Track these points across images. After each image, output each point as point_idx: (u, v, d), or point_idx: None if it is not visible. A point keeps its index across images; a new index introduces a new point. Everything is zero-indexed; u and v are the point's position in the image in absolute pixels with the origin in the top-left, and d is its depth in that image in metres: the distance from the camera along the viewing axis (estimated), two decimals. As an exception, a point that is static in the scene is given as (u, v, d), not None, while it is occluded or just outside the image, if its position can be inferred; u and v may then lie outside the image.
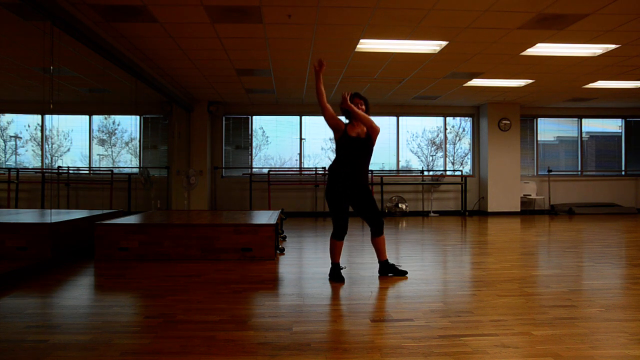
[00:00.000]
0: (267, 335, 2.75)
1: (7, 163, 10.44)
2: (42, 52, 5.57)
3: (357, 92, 4.35)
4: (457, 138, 12.09)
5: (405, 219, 10.49)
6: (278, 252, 5.64)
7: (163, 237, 5.24)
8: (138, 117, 10.26)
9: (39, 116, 10.53)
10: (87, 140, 10.84)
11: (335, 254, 4.22)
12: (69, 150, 11.02)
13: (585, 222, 9.50)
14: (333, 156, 11.61)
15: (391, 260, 4.53)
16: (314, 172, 11.25)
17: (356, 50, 6.60)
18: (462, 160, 12.10)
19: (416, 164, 12.03)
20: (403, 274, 4.35)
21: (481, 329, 2.86)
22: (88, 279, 4.45)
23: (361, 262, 5.06)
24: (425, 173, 11.70)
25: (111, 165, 11.04)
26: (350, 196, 4.19)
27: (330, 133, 11.59)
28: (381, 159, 11.73)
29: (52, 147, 10.96)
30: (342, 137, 4.19)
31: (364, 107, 4.24)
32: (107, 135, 11.19)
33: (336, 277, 4.16)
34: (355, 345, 2.60)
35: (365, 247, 6.13)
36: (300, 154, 11.55)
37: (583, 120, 12.13)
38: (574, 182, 11.96)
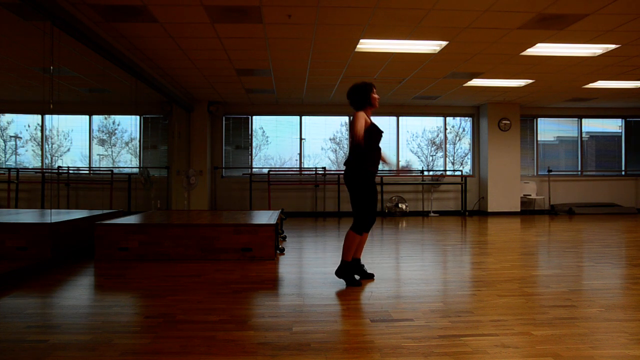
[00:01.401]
0: (267, 335, 2.75)
1: (7, 163, 10.43)
2: (42, 52, 5.57)
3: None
4: (457, 138, 12.09)
5: (405, 219, 10.49)
6: (278, 252, 5.64)
7: (163, 237, 5.24)
8: (138, 117, 10.26)
9: (39, 116, 10.52)
10: (87, 140, 10.83)
11: (353, 250, 3.97)
12: (69, 150, 11.02)
13: (585, 222, 9.50)
14: (333, 156, 11.77)
15: (391, 260, 4.52)
16: (314, 172, 11.25)
17: (356, 50, 6.60)
18: (462, 160, 12.10)
19: (416, 164, 12.03)
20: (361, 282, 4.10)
21: (481, 329, 2.86)
22: (88, 279, 4.45)
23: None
24: (425, 173, 11.71)
25: (111, 165, 11.04)
26: None
27: (329, 133, 11.69)
28: (381, 159, 11.71)
29: (52, 147, 10.96)
30: (372, 130, 3.92)
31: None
32: (107, 135, 11.18)
33: (354, 279, 3.97)
34: (355, 345, 2.60)
35: (365, 246, 6.13)
36: (300, 154, 11.55)
37: (583, 120, 12.13)
38: (574, 182, 11.96)
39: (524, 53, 6.77)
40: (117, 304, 3.50)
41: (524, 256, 5.68)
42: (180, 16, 5.36)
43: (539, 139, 12.02)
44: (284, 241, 6.64)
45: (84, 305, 3.48)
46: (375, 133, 3.95)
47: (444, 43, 6.31)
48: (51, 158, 10.88)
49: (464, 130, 12.04)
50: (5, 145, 10.60)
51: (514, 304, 3.44)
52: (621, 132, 12.30)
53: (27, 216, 6.33)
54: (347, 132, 11.72)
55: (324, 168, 11.29)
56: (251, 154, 11.51)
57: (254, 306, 3.49)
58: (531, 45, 6.40)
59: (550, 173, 11.71)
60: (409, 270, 4.69)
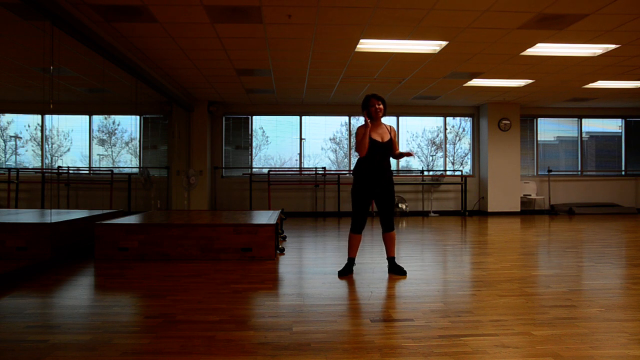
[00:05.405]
0: (267, 335, 2.75)
1: (7, 163, 10.43)
2: (42, 52, 5.57)
3: (375, 94, 4.46)
4: (457, 138, 12.08)
5: (405, 219, 10.49)
6: (278, 252, 5.64)
7: (163, 237, 5.24)
8: (138, 117, 10.26)
9: (39, 116, 10.52)
10: (87, 140, 10.83)
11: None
12: (69, 150, 11.01)
13: (585, 222, 9.50)
14: (333, 156, 11.79)
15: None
16: (314, 172, 11.25)
17: (356, 50, 6.60)
18: (462, 160, 12.10)
19: (416, 164, 12.03)
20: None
21: (481, 329, 2.86)
22: (88, 279, 4.45)
23: (361, 262, 5.06)
24: (425, 173, 11.70)
25: (111, 165, 11.04)
26: (374, 193, 4.41)
27: (329, 133, 11.71)
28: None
29: (52, 147, 10.95)
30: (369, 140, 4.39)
31: (382, 106, 4.38)
32: (107, 135, 11.18)
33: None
34: (355, 345, 2.60)
35: (365, 247, 6.13)
36: (300, 154, 11.55)
37: (583, 120, 12.13)
38: (574, 182, 11.96)
39: (524, 53, 6.76)
40: (117, 304, 3.50)
41: (524, 256, 5.68)
42: (180, 16, 5.36)
43: (539, 139, 12.01)
44: (284, 241, 6.64)
45: (84, 305, 3.48)
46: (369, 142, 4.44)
47: (444, 43, 6.31)
48: (51, 158, 10.87)
49: (464, 130, 12.04)
50: (5, 145, 10.60)
51: (514, 304, 3.44)
52: (621, 132, 12.29)
53: (27, 216, 6.33)
54: (351, 135, 11.73)
55: (324, 168, 11.29)
56: (251, 154, 11.51)
57: (254, 306, 3.49)
58: (531, 45, 6.40)
59: (550, 173, 11.71)
60: (409, 270, 4.68)
